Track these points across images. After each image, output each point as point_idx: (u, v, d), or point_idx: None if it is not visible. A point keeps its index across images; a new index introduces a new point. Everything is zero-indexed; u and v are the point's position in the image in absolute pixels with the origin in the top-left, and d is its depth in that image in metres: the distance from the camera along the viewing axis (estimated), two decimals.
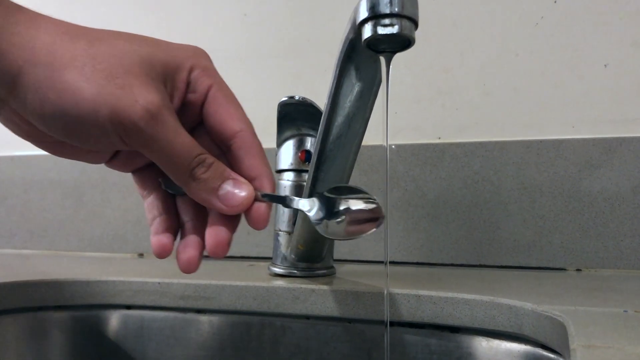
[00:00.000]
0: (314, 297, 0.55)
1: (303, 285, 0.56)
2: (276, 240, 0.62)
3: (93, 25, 0.34)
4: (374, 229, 0.37)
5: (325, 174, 0.49)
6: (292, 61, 0.83)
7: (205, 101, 0.37)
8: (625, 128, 0.69)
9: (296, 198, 0.39)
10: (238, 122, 0.37)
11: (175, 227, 0.39)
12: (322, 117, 0.46)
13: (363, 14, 0.37)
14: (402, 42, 0.38)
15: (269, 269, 0.63)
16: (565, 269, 0.69)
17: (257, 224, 0.37)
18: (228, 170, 0.36)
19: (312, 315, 0.56)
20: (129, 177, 0.40)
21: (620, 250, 0.67)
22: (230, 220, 0.37)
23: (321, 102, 0.49)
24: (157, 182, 0.39)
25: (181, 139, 0.33)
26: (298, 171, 0.61)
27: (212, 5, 0.87)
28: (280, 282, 0.57)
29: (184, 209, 0.39)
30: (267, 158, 0.38)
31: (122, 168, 0.39)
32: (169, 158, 0.33)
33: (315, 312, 0.55)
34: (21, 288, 0.60)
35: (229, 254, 0.85)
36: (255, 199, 0.36)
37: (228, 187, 0.35)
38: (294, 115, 0.60)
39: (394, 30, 0.36)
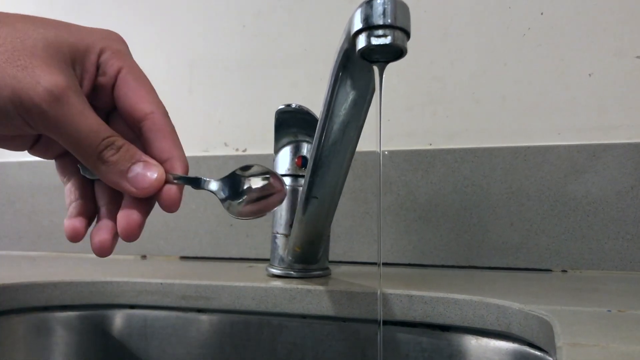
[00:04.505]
0: (310, 297, 0.55)
1: (299, 286, 0.56)
2: (274, 242, 0.62)
3: None
4: (276, 207, 0.36)
5: (321, 179, 0.49)
6: (289, 70, 0.83)
7: (116, 84, 0.35)
8: (608, 135, 0.69)
9: (208, 179, 0.37)
10: (148, 104, 0.35)
11: (90, 212, 0.38)
12: (318, 125, 0.46)
13: (357, 25, 0.37)
14: (395, 52, 0.38)
15: (266, 270, 0.63)
16: (551, 270, 0.69)
17: (168, 207, 0.35)
18: (139, 152, 0.34)
19: (308, 314, 0.56)
20: None
21: (604, 252, 0.67)
22: (143, 204, 0.36)
23: (317, 110, 0.49)
24: (76, 168, 0.38)
25: (88, 121, 0.32)
26: (295, 176, 0.61)
27: (212, 17, 0.86)
28: (277, 283, 0.57)
29: (100, 194, 0.38)
30: (179, 140, 0.36)
31: (44, 155, 0.38)
32: (75, 140, 0.32)
33: (311, 312, 0.55)
34: (29, 288, 0.59)
35: (229, 255, 0.85)
36: (167, 182, 0.35)
37: (138, 170, 0.34)
38: (291, 123, 0.60)
39: (386, 40, 0.36)
